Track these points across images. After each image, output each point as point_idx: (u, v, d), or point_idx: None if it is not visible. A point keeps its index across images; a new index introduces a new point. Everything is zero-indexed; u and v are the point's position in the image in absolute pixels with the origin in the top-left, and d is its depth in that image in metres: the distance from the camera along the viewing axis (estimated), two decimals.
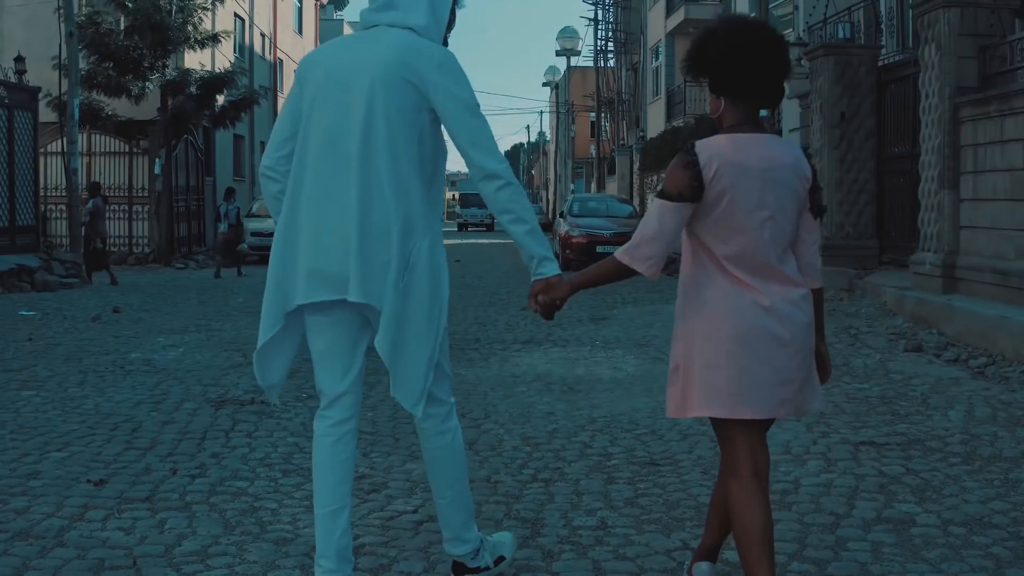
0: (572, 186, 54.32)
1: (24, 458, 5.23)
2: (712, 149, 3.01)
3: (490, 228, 58.04)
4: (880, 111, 13.32)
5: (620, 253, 3.05)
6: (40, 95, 18.42)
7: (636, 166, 32.18)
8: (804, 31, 16.59)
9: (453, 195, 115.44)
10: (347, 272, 3.07)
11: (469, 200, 61.62)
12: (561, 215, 24.61)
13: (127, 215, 23.56)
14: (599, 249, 22.33)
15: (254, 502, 4.54)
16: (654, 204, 3.06)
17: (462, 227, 60.63)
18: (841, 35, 13.64)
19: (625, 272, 3.06)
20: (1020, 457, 5.23)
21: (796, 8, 18.61)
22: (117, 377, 7.79)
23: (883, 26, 15.83)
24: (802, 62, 15.34)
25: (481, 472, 5.13)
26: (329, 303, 3.17)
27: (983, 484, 4.75)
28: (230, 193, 20.87)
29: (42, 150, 19.17)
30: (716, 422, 3.11)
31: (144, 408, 6.55)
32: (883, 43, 15.56)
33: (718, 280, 3.05)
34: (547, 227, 60.55)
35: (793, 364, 3.01)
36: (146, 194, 23.25)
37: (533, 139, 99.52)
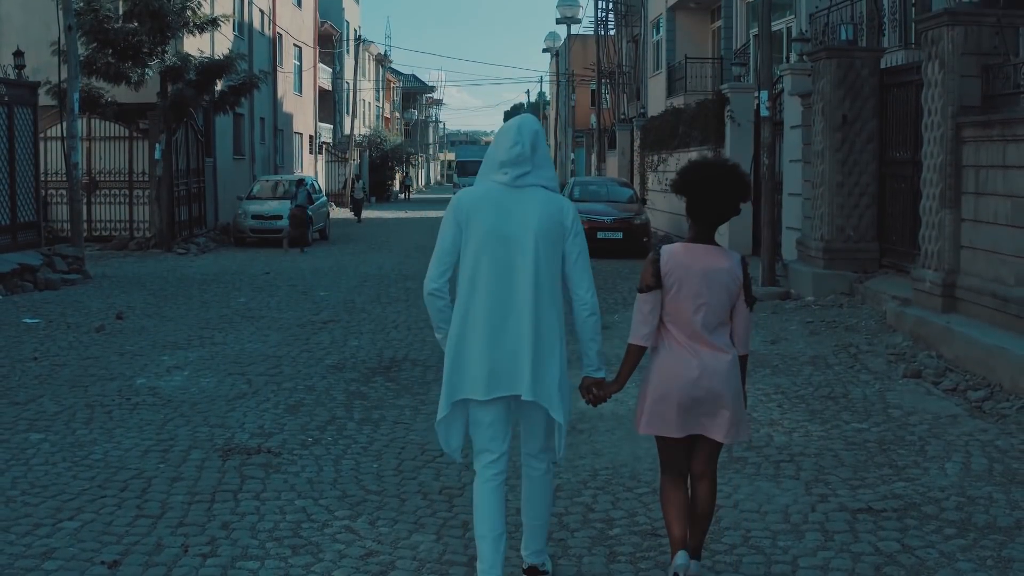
0: (572, 155, 54.19)
1: (37, 529, 5.33)
2: (669, 254, 4.41)
3: None
4: (882, 114, 13.32)
5: (631, 339, 4.46)
6: (39, 81, 18.38)
7: (636, 143, 32.09)
8: (806, 29, 16.54)
9: (449, 161, 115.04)
10: (523, 374, 4.26)
11: (468, 168, 59.89)
12: None
13: (127, 200, 23.57)
14: (600, 235, 22.36)
15: None
16: (638, 299, 4.46)
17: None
18: (843, 36, 13.60)
19: (639, 350, 4.47)
20: (1014, 528, 5.33)
21: None
22: (124, 413, 7.88)
23: (885, 20, 15.79)
24: (803, 57, 15.32)
25: None
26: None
27: (976, 565, 4.85)
28: (300, 183, 25.93)
29: (42, 135, 19.14)
30: (656, 438, 4.54)
31: (152, 458, 6.64)
32: (885, 37, 15.53)
33: (666, 343, 4.44)
34: None
35: (706, 407, 4.37)
36: (146, 178, 23.24)
37: (533, 99, 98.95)
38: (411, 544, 5.25)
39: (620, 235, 22.44)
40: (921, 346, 9.80)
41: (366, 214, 39.89)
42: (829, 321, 11.77)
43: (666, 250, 4.41)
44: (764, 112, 14.58)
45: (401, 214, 44.72)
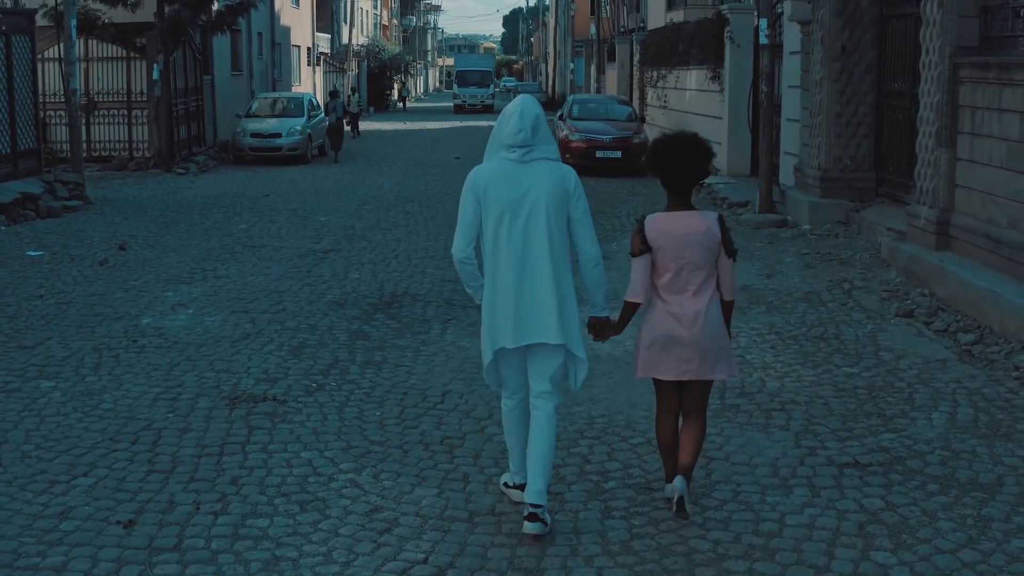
0: (572, 65, 53.69)
1: (53, 487, 5.53)
2: (653, 224, 5.04)
3: (489, 109, 56.00)
4: (881, 44, 13.28)
5: (626, 297, 5.10)
6: (36, 9, 18.23)
7: (636, 58, 31.82)
8: None
9: (448, 68, 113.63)
10: (547, 321, 4.92)
11: (468, 79, 58.35)
12: (560, 117, 24.52)
13: (126, 120, 23.50)
14: (599, 154, 22.40)
15: (275, 549, 4.84)
16: (632, 262, 5.06)
17: (458, 110, 56.90)
18: None
19: (635, 306, 5.10)
20: (995, 485, 5.53)
21: None
22: (131, 357, 8.06)
23: None
24: None
25: (485, 500, 5.44)
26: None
27: (956, 524, 5.05)
28: (335, 94, 28.77)
29: (39, 56, 19.02)
30: (652, 379, 5.19)
31: (161, 408, 6.83)
32: None
33: (656, 300, 5.08)
34: (547, 105, 60.06)
35: (695, 350, 4.99)
36: (145, 98, 23.15)
37: (532, 4, 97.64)
38: (414, 499, 5.45)
39: (619, 154, 22.47)
40: (914, 283, 9.95)
41: (364, 126, 39.65)
42: (824, 253, 11.90)
43: (649, 219, 5.06)
44: (764, 40, 14.51)
45: (400, 125, 44.51)
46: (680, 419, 5.22)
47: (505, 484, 5.44)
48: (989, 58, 9.38)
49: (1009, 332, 8.09)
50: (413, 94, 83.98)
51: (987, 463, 5.82)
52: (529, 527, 4.93)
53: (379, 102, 58.99)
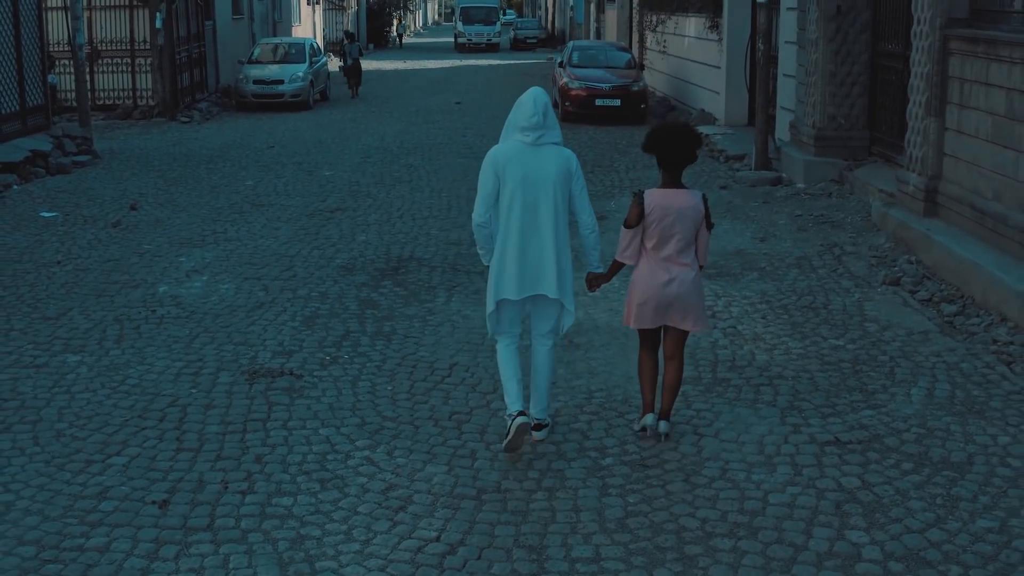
0: (572, 2, 53.36)
1: (89, 467, 5.95)
2: (651, 197, 6.01)
3: (495, 48, 53.55)
4: (876, 5, 13.48)
5: (617, 257, 6.18)
6: None
7: (635, 0, 31.76)
8: None
9: (448, 3, 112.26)
10: (547, 278, 6.00)
11: (472, 15, 54.94)
12: (560, 64, 24.65)
13: (130, 68, 23.63)
14: (598, 102, 22.60)
15: (300, 528, 5.28)
16: (623, 231, 6.10)
17: (461, 48, 53.91)
18: None
19: (621, 265, 6.23)
20: (965, 464, 5.95)
21: None
22: (151, 328, 8.45)
23: None
24: None
25: (491, 477, 5.87)
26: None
27: (927, 504, 5.48)
28: (352, 37, 31.93)
29: (45, 5, 19.15)
30: (639, 328, 6.24)
31: (184, 383, 7.24)
32: None
33: (647, 261, 6.08)
34: (546, 41, 59.55)
35: (680, 307, 6.06)
36: (148, 47, 23.26)
37: None
38: (426, 476, 5.88)
39: (618, 102, 22.66)
40: (902, 249, 10.30)
41: (363, 64, 39.47)
42: (817, 215, 12.23)
43: (648, 194, 6.03)
44: None
45: (400, 64, 44.40)
46: (663, 363, 6.32)
47: (508, 415, 6.26)
48: (978, 32, 9.64)
49: (990, 304, 8.48)
50: (412, 28, 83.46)
51: (960, 441, 6.24)
52: (536, 435, 6.26)
53: (378, 39, 58.76)
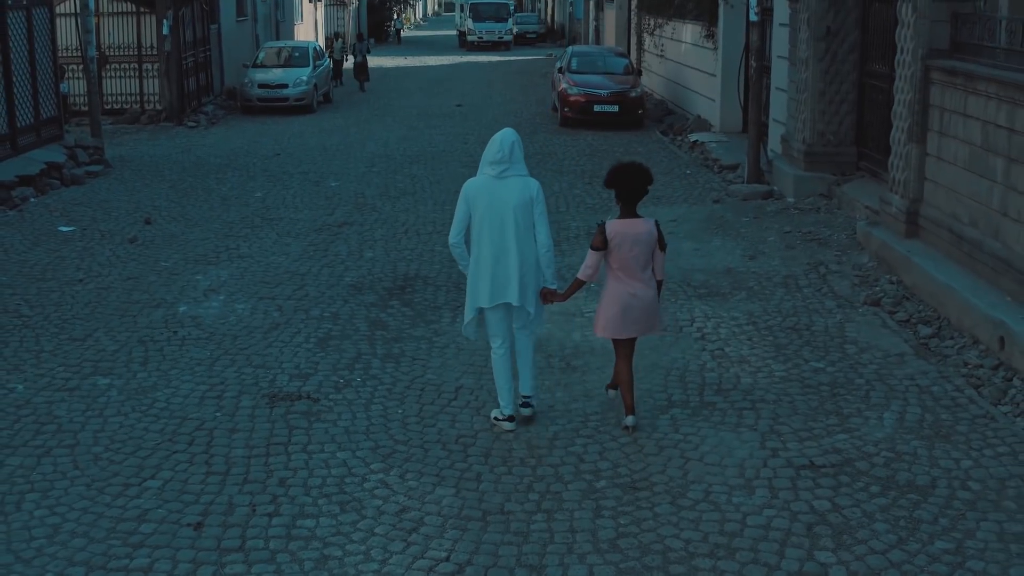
0: (571, 0, 53.74)
1: (127, 490, 6.50)
2: (612, 227, 7.10)
3: (507, 47, 51.68)
4: (864, 25, 14.00)
5: (579, 275, 7.31)
6: None
7: (635, 1, 32.22)
8: None
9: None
10: (510, 288, 7.12)
11: (482, 12, 52.82)
12: (560, 70, 25.14)
13: (137, 73, 24.15)
14: (596, 108, 23.12)
15: (323, 548, 5.83)
16: (589, 253, 7.20)
17: (469, 46, 51.56)
18: None
19: (583, 283, 7.33)
20: (929, 487, 6.50)
21: None
22: (174, 350, 8.99)
23: None
24: None
25: (495, 500, 6.41)
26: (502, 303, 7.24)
27: (890, 526, 6.03)
28: (360, 37, 36.96)
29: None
30: (613, 340, 7.38)
31: (209, 407, 7.79)
32: None
33: (613, 279, 7.21)
34: (545, 36, 59.84)
35: (641, 317, 7.21)
36: (155, 52, 23.77)
37: None
38: (435, 499, 6.43)
39: (616, 108, 23.19)
40: (884, 269, 10.84)
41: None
42: (805, 232, 12.76)
43: (609, 224, 7.14)
44: (753, 17, 15.21)
45: (401, 60, 44.92)
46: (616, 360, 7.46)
47: (495, 418, 7.42)
48: (956, 64, 10.16)
49: (964, 326, 9.02)
50: (412, 20, 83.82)
51: (925, 465, 6.79)
52: (524, 411, 7.43)
53: (379, 34, 59.23)
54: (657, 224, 7.27)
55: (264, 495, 6.46)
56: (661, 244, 7.25)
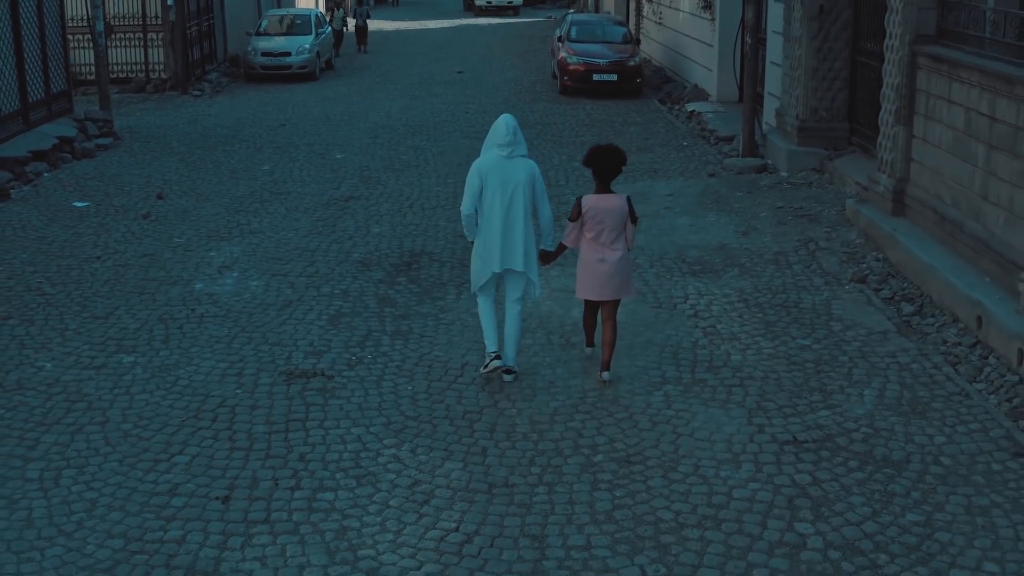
0: None
1: (157, 465, 6.99)
2: (587, 201, 8.08)
3: (516, 11, 50.69)
4: (856, 5, 14.34)
5: (563, 241, 8.31)
6: None
7: None
8: None
9: None
10: (517, 256, 8.08)
11: None
12: (559, 39, 25.42)
13: (142, 42, 24.41)
14: (595, 77, 23.45)
15: (342, 520, 6.33)
16: (569, 224, 8.20)
17: (477, 11, 50.25)
18: None
19: (565, 247, 8.35)
20: (903, 462, 6.99)
21: None
22: (193, 327, 9.46)
23: None
24: None
25: (500, 472, 6.91)
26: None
27: (866, 499, 6.52)
28: (361, 2, 40.53)
29: None
30: (584, 300, 8.39)
31: (229, 384, 8.27)
32: None
33: (588, 247, 8.13)
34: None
35: (612, 282, 8.08)
36: (160, 22, 24.04)
37: None
38: (444, 472, 6.92)
39: (615, 77, 23.51)
40: (871, 246, 11.28)
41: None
42: (797, 207, 13.19)
43: (585, 199, 8.12)
44: None
45: (401, 24, 45.00)
46: (601, 323, 8.34)
47: (484, 366, 8.28)
48: (942, 51, 10.54)
49: (944, 305, 9.48)
50: None
51: (901, 441, 7.28)
52: (506, 378, 8.27)
53: None
54: (629, 199, 8.15)
55: (285, 469, 6.95)
56: (632, 217, 8.12)
